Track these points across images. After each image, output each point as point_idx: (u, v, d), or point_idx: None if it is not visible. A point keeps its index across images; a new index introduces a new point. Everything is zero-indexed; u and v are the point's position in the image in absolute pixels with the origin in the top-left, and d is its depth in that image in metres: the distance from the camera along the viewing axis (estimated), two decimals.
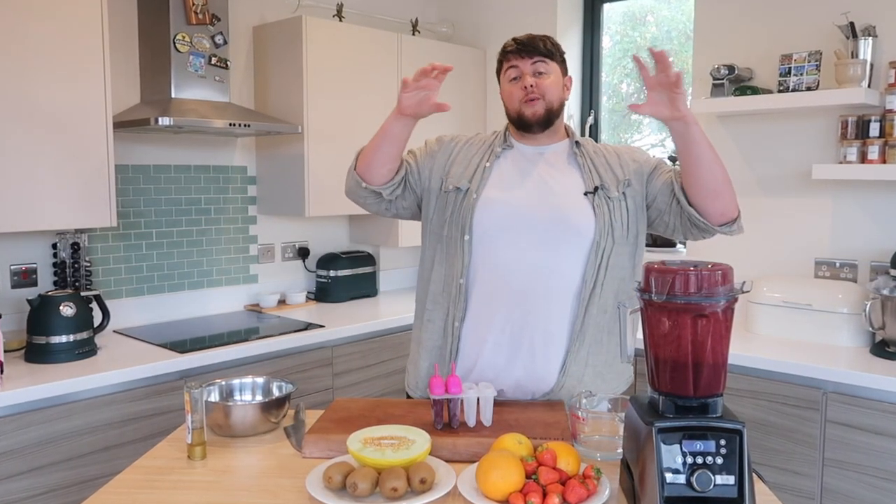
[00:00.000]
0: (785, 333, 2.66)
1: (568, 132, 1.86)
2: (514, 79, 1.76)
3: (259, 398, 1.73)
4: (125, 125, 2.61)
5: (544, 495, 1.21)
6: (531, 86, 1.73)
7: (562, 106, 1.80)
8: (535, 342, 1.70)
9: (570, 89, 1.84)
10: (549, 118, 1.77)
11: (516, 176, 1.77)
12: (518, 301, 1.70)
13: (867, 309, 2.43)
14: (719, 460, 1.16)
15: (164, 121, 2.51)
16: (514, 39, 1.78)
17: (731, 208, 1.69)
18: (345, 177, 1.85)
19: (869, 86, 2.56)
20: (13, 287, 2.58)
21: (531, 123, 1.76)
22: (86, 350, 2.39)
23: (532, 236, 1.70)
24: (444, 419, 1.52)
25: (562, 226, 1.70)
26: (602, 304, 1.72)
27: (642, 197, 1.78)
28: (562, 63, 1.81)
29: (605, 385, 1.73)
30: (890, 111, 2.50)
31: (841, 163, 2.60)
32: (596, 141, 3.65)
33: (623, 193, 1.74)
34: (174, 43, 2.72)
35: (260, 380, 1.77)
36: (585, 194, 1.73)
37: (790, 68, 2.69)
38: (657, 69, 1.52)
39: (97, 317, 2.56)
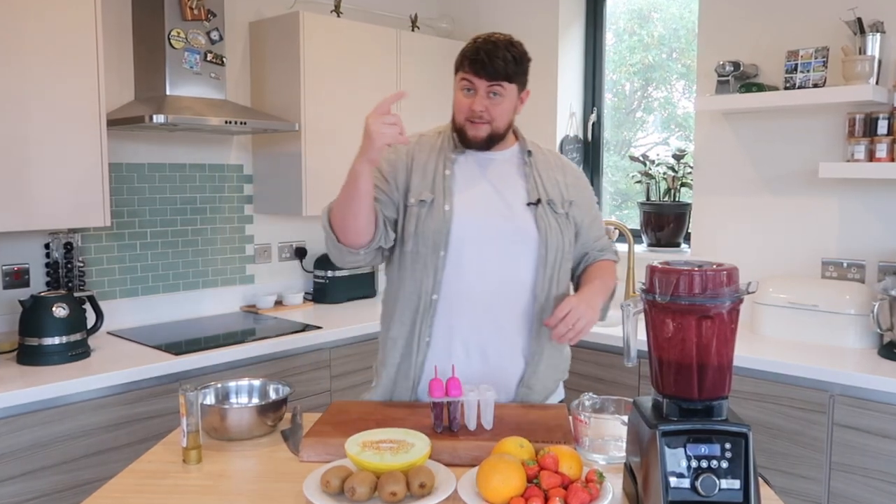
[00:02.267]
0: (791, 335, 2.66)
1: (517, 136, 1.86)
2: (468, 90, 1.73)
3: (255, 401, 1.73)
4: (119, 123, 2.61)
5: (546, 500, 1.21)
6: (480, 111, 1.71)
7: (509, 126, 1.79)
8: (501, 353, 1.75)
9: (525, 102, 1.81)
10: (490, 142, 1.76)
11: (473, 184, 1.77)
12: (485, 315, 1.73)
13: (875, 310, 2.43)
14: (724, 464, 1.16)
15: (159, 118, 2.51)
16: (478, 49, 1.70)
17: None
18: (326, 212, 1.78)
19: (877, 83, 2.56)
20: (5, 287, 2.58)
21: (471, 144, 1.76)
22: (79, 352, 2.39)
23: (493, 248, 1.73)
24: (443, 422, 1.52)
25: (515, 237, 1.74)
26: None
27: (575, 224, 1.83)
28: (522, 79, 1.76)
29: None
30: None
31: (848, 161, 2.60)
32: (598, 140, 3.66)
33: (566, 213, 1.79)
34: (169, 39, 2.72)
35: (256, 382, 1.77)
36: (528, 205, 1.75)
37: (796, 65, 2.69)
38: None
39: (91, 318, 2.56)
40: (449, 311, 1.73)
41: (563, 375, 1.91)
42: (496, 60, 1.68)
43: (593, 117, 3.66)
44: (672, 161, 3.33)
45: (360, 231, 1.70)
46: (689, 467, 1.17)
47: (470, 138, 1.75)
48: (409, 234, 1.75)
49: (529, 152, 1.82)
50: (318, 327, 2.88)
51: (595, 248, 1.90)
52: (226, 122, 2.70)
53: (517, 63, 1.72)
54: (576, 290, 1.87)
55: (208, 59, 2.84)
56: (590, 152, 3.69)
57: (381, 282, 3.71)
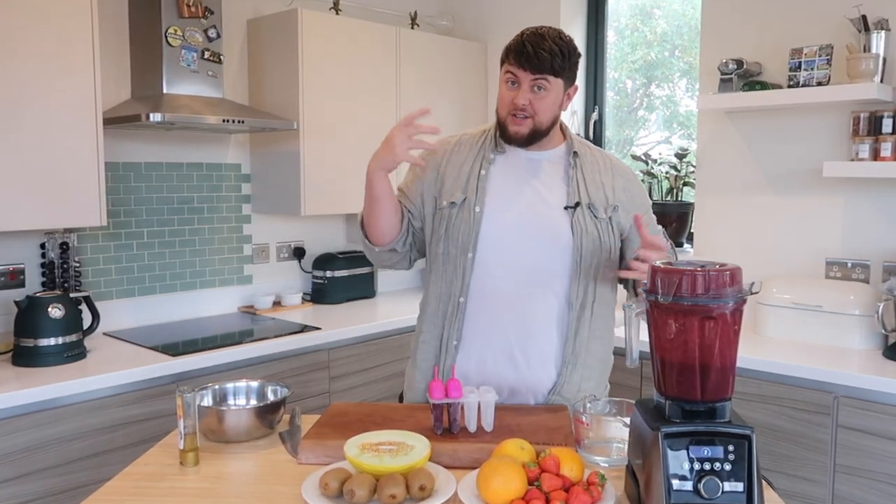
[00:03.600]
0: (795, 336, 2.66)
1: (565, 135, 1.82)
2: (512, 83, 1.70)
3: (253, 402, 1.73)
4: (115, 121, 2.61)
5: (547, 502, 1.21)
6: (523, 105, 1.67)
7: (554, 123, 1.75)
8: (530, 359, 1.73)
9: (573, 98, 1.77)
10: (532, 139, 1.72)
11: (510, 185, 1.75)
12: (514, 319, 1.72)
13: (880, 310, 2.43)
14: (727, 466, 1.16)
15: (156, 117, 2.51)
16: (523, 42, 1.67)
17: None
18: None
19: (882, 81, 2.56)
20: (0, 288, 2.58)
21: (511, 140, 1.73)
22: (75, 353, 2.39)
23: (527, 252, 1.71)
24: (444, 424, 1.52)
25: (549, 241, 1.72)
26: (593, 326, 1.76)
27: (619, 230, 1.78)
28: (570, 74, 1.71)
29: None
30: None
31: (853, 160, 2.60)
32: (600, 139, 3.66)
33: (609, 218, 1.75)
34: (166, 37, 2.72)
35: (254, 384, 1.77)
36: (565, 209, 1.73)
37: (800, 63, 2.69)
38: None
39: (86, 319, 2.55)
40: (477, 314, 1.73)
41: (603, 385, 1.86)
42: (542, 53, 1.64)
43: (595, 116, 3.66)
44: (674, 160, 3.33)
45: (384, 231, 1.76)
46: (691, 470, 1.17)
47: (511, 134, 1.72)
48: (439, 236, 1.75)
49: (575, 153, 1.78)
50: (317, 328, 2.88)
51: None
52: (223, 121, 2.70)
53: (564, 57, 1.67)
54: (634, 289, 1.81)
55: (206, 56, 2.84)
56: None
57: (381, 282, 3.72)
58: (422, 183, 1.80)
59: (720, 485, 1.15)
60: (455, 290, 1.73)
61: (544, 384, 1.74)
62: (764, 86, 2.79)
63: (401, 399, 1.93)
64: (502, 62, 1.74)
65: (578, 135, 3.59)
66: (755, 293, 1.20)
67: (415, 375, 1.83)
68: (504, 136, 1.74)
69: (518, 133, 1.71)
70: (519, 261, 1.71)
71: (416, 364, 1.83)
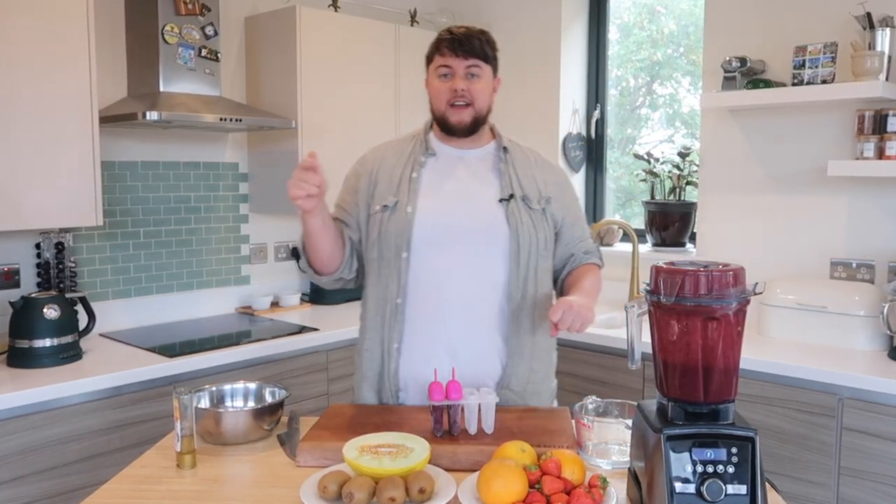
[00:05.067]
0: (799, 337, 2.66)
1: (494, 133, 1.88)
2: (445, 75, 1.75)
3: (251, 404, 1.73)
4: (111, 120, 2.61)
5: None
6: (462, 90, 1.73)
7: (489, 111, 1.81)
8: (475, 355, 1.75)
9: (497, 91, 1.84)
10: (475, 126, 1.78)
11: (442, 184, 1.78)
12: (455, 315, 1.74)
13: (885, 311, 2.43)
14: (731, 469, 1.16)
15: (153, 115, 2.51)
16: (451, 32, 1.75)
17: None
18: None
19: (887, 79, 2.56)
20: None
21: (455, 131, 1.77)
22: (71, 354, 2.39)
23: (462, 248, 1.74)
24: (443, 426, 1.52)
25: (485, 235, 1.75)
26: (534, 318, 1.78)
27: (553, 221, 1.83)
28: (494, 64, 1.80)
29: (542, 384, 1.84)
30: None
31: (857, 159, 2.60)
32: (601, 137, 3.66)
33: (543, 209, 1.80)
34: (163, 34, 2.72)
35: (252, 385, 1.77)
36: (500, 201, 1.76)
37: (804, 60, 2.69)
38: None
39: (82, 320, 2.56)
40: (416, 314, 1.75)
41: (551, 376, 1.89)
42: (472, 40, 1.74)
43: (597, 114, 3.66)
44: (677, 159, 3.34)
45: (325, 262, 1.77)
46: (694, 472, 1.17)
47: (454, 124, 1.76)
48: (372, 241, 1.77)
49: (505, 149, 1.84)
50: (316, 329, 2.88)
51: (580, 251, 1.90)
52: (221, 120, 2.70)
53: (490, 45, 1.78)
54: (561, 294, 1.88)
55: (203, 54, 2.84)
56: (593, 150, 3.70)
57: None
58: (356, 193, 1.82)
59: (723, 487, 1.15)
60: (391, 292, 1.75)
61: (491, 378, 1.76)
62: (768, 84, 2.79)
63: None
64: (430, 59, 1.80)
65: (578, 133, 3.62)
66: (759, 294, 1.20)
67: (363, 386, 1.82)
68: (446, 128, 1.79)
69: (461, 122, 1.76)
70: (456, 257, 1.74)
71: (363, 374, 1.82)
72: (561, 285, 1.90)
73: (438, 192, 1.77)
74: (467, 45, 1.72)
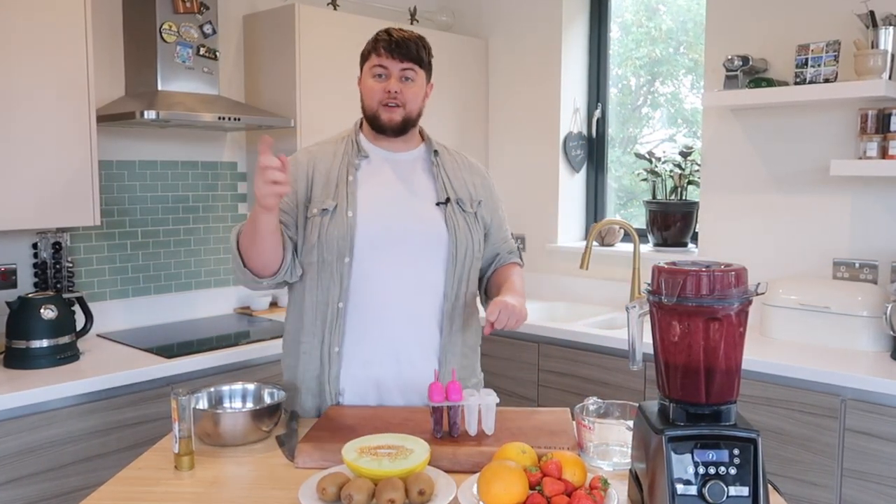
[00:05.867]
0: (801, 337, 2.66)
1: (423, 137, 1.90)
2: (379, 76, 1.78)
3: (250, 405, 1.73)
4: (109, 119, 2.61)
5: None
6: (396, 92, 1.76)
7: (419, 115, 1.84)
8: (414, 356, 1.78)
9: (430, 96, 1.86)
10: (405, 127, 1.81)
11: (380, 188, 1.81)
12: (396, 318, 1.76)
13: (888, 311, 2.43)
14: (733, 470, 1.16)
15: (150, 114, 2.51)
16: (389, 34, 1.78)
17: None
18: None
19: (890, 77, 2.56)
20: None
21: (385, 129, 1.80)
22: (68, 355, 2.39)
23: (403, 251, 1.77)
24: (443, 427, 1.52)
25: (424, 237, 1.78)
26: (464, 316, 1.83)
27: (483, 224, 1.89)
28: (429, 69, 1.83)
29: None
30: None
31: (860, 158, 2.60)
32: (603, 137, 3.66)
33: (475, 212, 1.85)
34: (161, 33, 2.72)
35: (251, 386, 1.77)
36: (437, 204, 1.81)
37: (807, 59, 2.69)
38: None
39: (80, 320, 2.56)
40: (358, 318, 1.76)
41: (477, 374, 1.94)
42: (409, 43, 1.77)
43: (598, 113, 3.67)
44: (679, 158, 3.33)
45: (266, 264, 1.74)
46: (696, 474, 1.17)
47: (384, 122, 1.78)
48: (311, 245, 1.77)
49: (436, 151, 1.88)
50: None
51: (504, 250, 1.96)
52: (219, 118, 2.70)
53: (426, 50, 1.81)
54: (486, 291, 1.94)
55: (201, 53, 2.84)
56: (594, 149, 3.70)
57: None
58: (295, 194, 1.81)
59: (725, 489, 1.15)
60: (333, 296, 1.75)
61: (428, 378, 1.76)
62: (770, 83, 2.79)
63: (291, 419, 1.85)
64: (366, 57, 1.81)
65: (579, 133, 3.62)
66: (761, 294, 1.20)
67: (299, 391, 1.82)
68: (376, 126, 1.80)
69: (392, 120, 1.78)
70: (397, 260, 1.76)
71: (299, 378, 1.82)
72: (486, 284, 1.95)
73: (377, 196, 1.79)
74: (404, 49, 1.75)
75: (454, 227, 1.79)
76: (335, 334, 1.76)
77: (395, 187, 1.82)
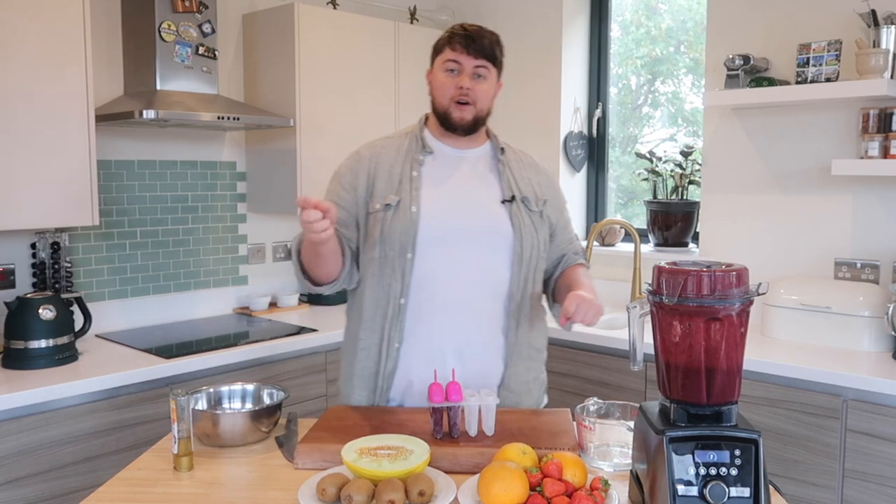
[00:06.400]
0: (803, 338, 2.66)
1: (489, 135, 1.89)
2: (452, 71, 1.76)
3: (249, 406, 1.73)
4: (108, 118, 2.61)
5: None
6: (467, 88, 1.74)
7: (489, 113, 1.83)
8: (477, 355, 1.75)
9: (498, 95, 1.85)
10: (475, 126, 1.79)
11: (444, 184, 1.79)
12: (459, 315, 1.74)
13: (890, 312, 2.43)
14: (734, 471, 1.16)
15: (149, 114, 2.51)
16: (464, 28, 1.76)
17: None
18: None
19: (892, 77, 2.56)
20: None
21: (456, 128, 1.78)
22: (66, 355, 2.39)
23: (466, 249, 1.74)
24: (443, 428, 1.52)
25: (489, 235, 1.76)
26: (531, 317, 1.81)
27: (549, 224, 1.86)
28: (500, 68, 1.82)
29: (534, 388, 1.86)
30: None
31: (862, 158, 2.60)
32: (603, 137, 3.66)
33: (541, 211, 1.82)
34: (159, 32, 2.72)
35: (250, 387, 1.77)
36: (502, 202, 1.78)
37: (808, 58, 2.69)
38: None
39: (78, 320, 2.56)
40: (419, 315, 1.74)
41: (542, 376, 1.91)
42: (484, 40, 1.75)
43: (598, 113, 3.67)
44: (680, 158, 3.34)
45: (327, 274, 1.75)
46: (697, 475, 1.17)
47: (456, 120, 1.77)
48: (373, 240, 1.76)
49: (502, 149, 1.86)
50: (314, 330, 2.88)
51: (570, 251, 1.94)
52: (218, 118, 2.70)
53: (500, 47, 1.80)
54: (553, 294, 1.91)
55: (200, 52, 2.84)
56: (594, 149, 3.70)
57: None
58: (355, 190, 1.80)
59: (726, 490, 1.15)
60: (395, 292, 1.74)
61: (493, 379, 1.76)
62: (771, 82, 2.79)
63: None
64: (439, 51, 1.80)
65: (580, 132, 3.62)
66: (762, 294, 1.20)
67: (354, 386, 1.81)
68: (447, 124, 1.79)
69: (463, 119, 1.77)
70: (460, 257, 1.74)
71: (355, 373, 1.81)
72: (554, 286, 1.92)
73: (441, 192, 1.77)
74: (479, 45, 1.73)
75: (520, 226, 1.76)
76: (395, 331, 1.74)
77: (460, 184, 1.79)
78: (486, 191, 1.80)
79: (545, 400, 1.93)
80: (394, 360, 1.75)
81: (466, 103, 1.75)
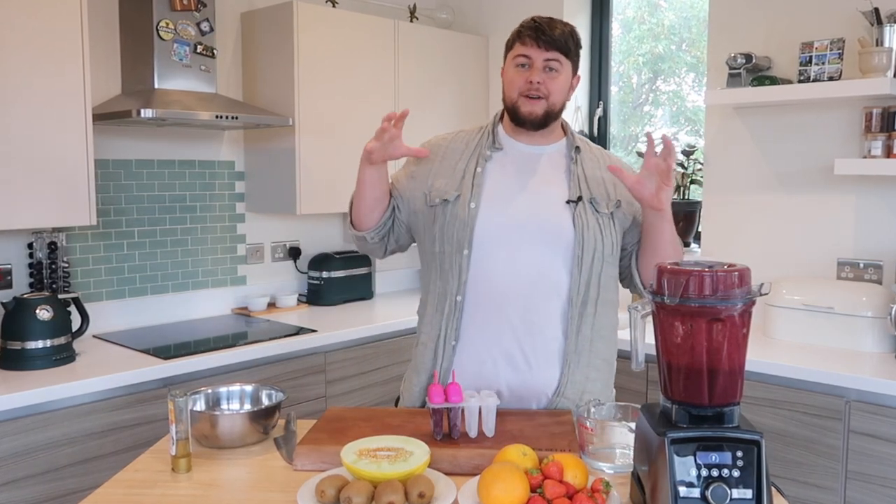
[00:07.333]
0: (805, 338, 2.66)
1: (566, 131, 1.85)
2: (522, 66, 1.73)
3: (247, 407, 1.73)
4: (105, 117, 2.61)
5: None
6: (538, 82, 1.71)
7: (563, 108, 1.79)
8: (532, 359, 1.72)
9: (575, 89, 1.81)
10: (546, 121, 1.76)
11: (508, 181, 1.76)
12: (514, 316, 1.71)
13: (893, 312, 2.43)
14: (736, 473, 1.16)
15: (147, 113, 2.51)
16: (535, 21, 1.72)
17: None
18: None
19: (895, 76, 2.56)
20: None
21: (525, 122, 1.75)
22: (63, 356, 2.39)
23: (526, 247, 1.72)
24: (443, 429, 1.52)
25: (548, 235, 1.72)
26: (596, 325, 1.76)
27: (622, 226, 1.80)
28: (576, 60, 1.77)
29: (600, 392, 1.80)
30: None
31: (865, 157, 2.60)
32: (604, 135, 3.66)
33: (611, 213, 1.77)
34: (157, 30, 2.72)
35: (248, 388, 1.77)
36: (567, 202, 1.74)
37: (811, 57, 2.70)
38: (662, 154, 1.62)
39: (76, 321, 2.55)
40: (476, 312, 1.72)
41: (609, 388, 1.85)
42: (555, 32, 1.70)
43: (599, 112, 3.67)
44: (681, 157, 3.34)
45: (361, 218, 1.81)
46: (699, 476, 1.17)
47: (525, 114, 1.73)
48: (433, 235, 1.76)
49: (577, 148, 1.81)
50: (313, 330, 2.88)
51: None
52: (216, 117, 2.70)
53: (574, 40, 1.75)
54: (637, 259, 1.83)
55: (198, 51, 2.84)
56: None
57: (379, 284, 3.72)
58: (414, 179, 1.82)
59: (728, 492, 1.15)
60: (452, 288, 1.73)
61: (547, 385, 1.73)
62: (774, 81, 2.79)
63: (396, 403, 1.94)
64: (510, 47, 1.77)
65: (581, 132, 3.62)
66: (764, 294, 1.20)
67: (413, 379, 1.83)
68: (516, 118, 1.76)
69: (532, 113, 1.73)
70: (518, 257, 1.71)
71: (416, 367, 1.83)
72: (637, 252, 1.83)
73: (503, 189, 1.75)
74: (549, 37, 1.69)
75: (582, 227, 1.71)
76: (451, 328, 1.73)
77: (523, 181, 1.75)
78: (551, 190, 1.75)
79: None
80: (449, 358, 1.75)
81: (538, 97, 1.72)
